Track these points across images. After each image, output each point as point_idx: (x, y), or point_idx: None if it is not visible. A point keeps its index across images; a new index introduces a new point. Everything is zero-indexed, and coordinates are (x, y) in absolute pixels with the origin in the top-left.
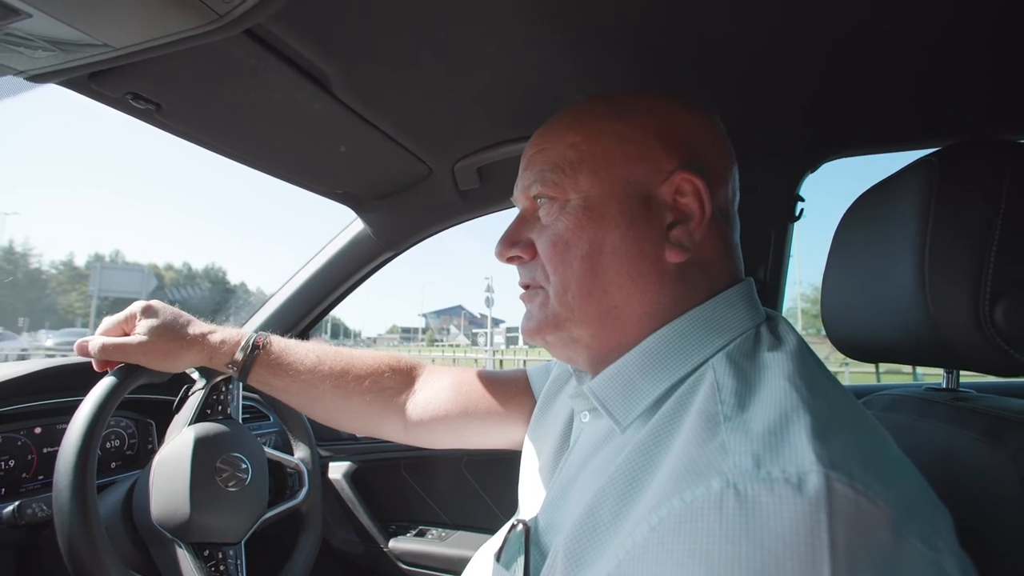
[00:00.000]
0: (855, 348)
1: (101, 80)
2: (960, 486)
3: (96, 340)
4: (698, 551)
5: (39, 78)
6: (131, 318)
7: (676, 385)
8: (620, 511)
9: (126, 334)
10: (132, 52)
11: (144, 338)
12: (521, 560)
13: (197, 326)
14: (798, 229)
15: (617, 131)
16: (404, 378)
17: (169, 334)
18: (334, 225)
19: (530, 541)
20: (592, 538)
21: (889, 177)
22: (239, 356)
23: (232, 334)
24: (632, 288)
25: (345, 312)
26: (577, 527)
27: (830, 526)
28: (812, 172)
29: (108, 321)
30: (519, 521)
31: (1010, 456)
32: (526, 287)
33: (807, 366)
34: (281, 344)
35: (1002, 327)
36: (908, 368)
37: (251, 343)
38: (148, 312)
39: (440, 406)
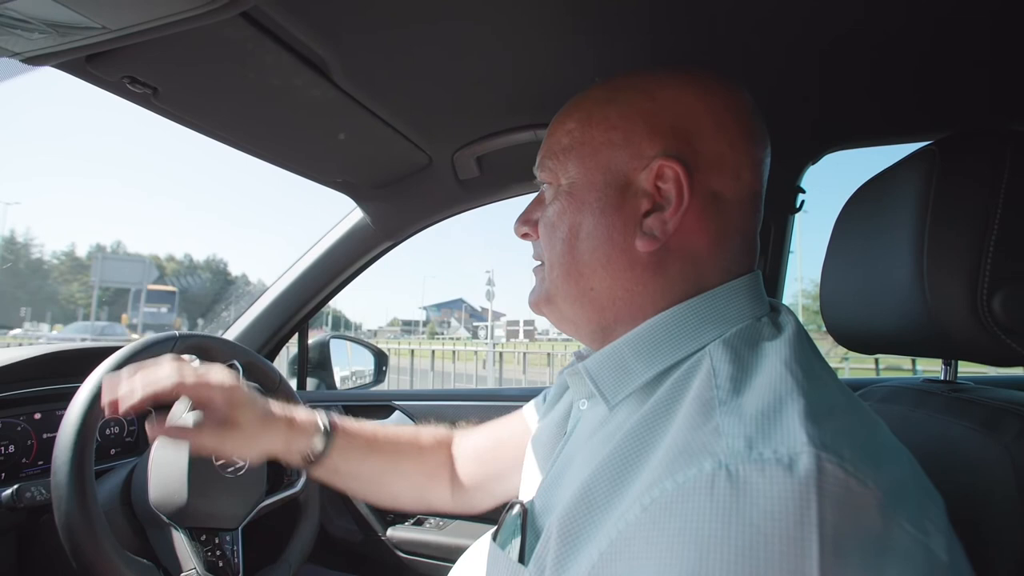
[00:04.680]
0: (853, 339)
1: (98, 63)
2: (955, 476)
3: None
4: (688, 530)
5: (35, 60)
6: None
7: (670, 369)
8: (614, 492)
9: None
10: (128, 34)
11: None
12: (517, 541)
13: (276, 404)
14: (799, 226)
15: (606, 116)
16: (446, 453)
17: (253, 415)
18: (336, 218)
19: (526, 522)
20: (586, 518)
21: (890, 167)
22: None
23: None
24: (604, 273)
25: (346, 304)
26: (571, 507)
27: (819, 505)
28: (813, 163)
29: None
30: (516, 502)
31: (1005, 446)
32: (538, 261)
33: (804, 353)
34: (349, 429)
35: (1000, 317)
36: (908, 365)
37: (326, 426)
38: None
39: (474, 476)
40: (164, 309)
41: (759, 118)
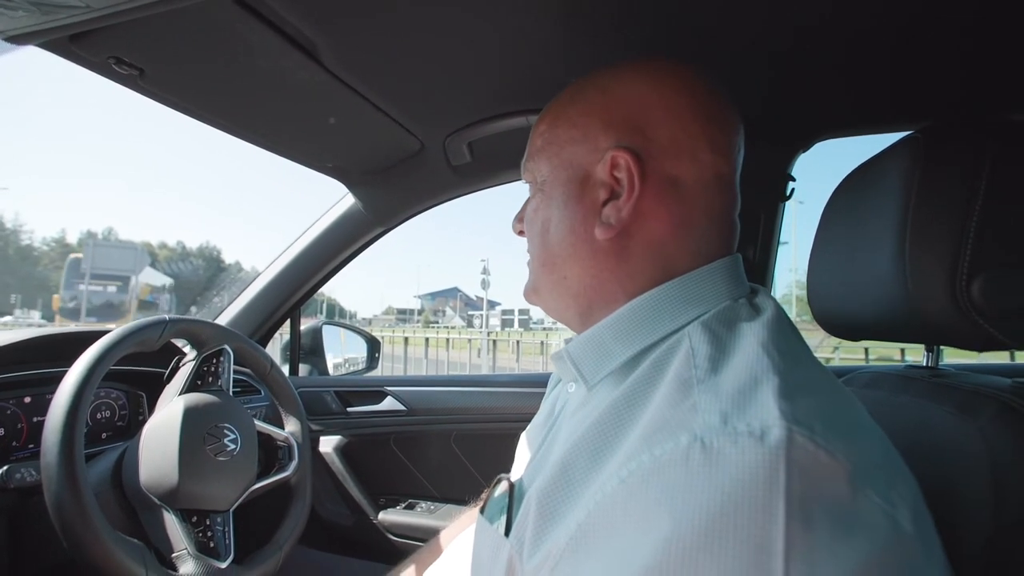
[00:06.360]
0: (838, 326)
1: (82, 43)
2: (934, 459)
3: None
4: (663, 499)
5: (18, 39)
6: None
7: (649, 349)
8: (592, 467)
9: None
10: (113, 12)
11: None
12: (503, 518)
13: None
14: (794, 217)
15: (568, 116)
16: None
17: None
18: (328, 203)
19: (513, 498)
20: (564, 492)
21: (876, 155)
22: None
23: None
24: (572, 262)
25: (341, 293)
26: (549, 481)
27: (787, 474)
28: (804, 151)
29: None
30: (504, 478)
31: (980, 428)
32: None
33: (783, 334)
34: None
35: (978, 302)
36: (898, 356)
37: None
38: None
39: None
40: (113, 288)
41: (720, 100)
